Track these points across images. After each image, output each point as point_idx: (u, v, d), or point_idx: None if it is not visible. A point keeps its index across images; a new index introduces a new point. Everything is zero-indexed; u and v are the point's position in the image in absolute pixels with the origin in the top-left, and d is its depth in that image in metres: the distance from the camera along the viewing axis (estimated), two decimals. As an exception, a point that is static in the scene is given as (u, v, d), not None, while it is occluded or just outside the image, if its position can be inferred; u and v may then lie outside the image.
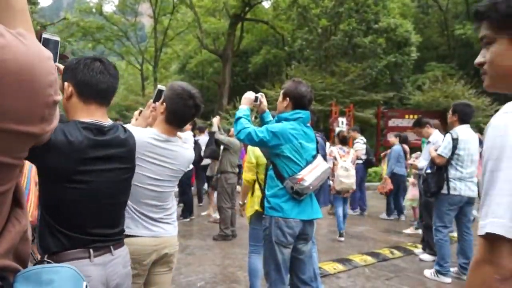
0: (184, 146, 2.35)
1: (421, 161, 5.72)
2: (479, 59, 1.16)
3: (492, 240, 0.96)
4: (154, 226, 2.19)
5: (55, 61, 1.82)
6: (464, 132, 4.63)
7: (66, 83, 1.67)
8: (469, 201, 4.69)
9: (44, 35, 1.71)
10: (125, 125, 1.91)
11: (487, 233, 0.97)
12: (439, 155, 4.64)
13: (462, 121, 4.66)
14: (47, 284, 0.85)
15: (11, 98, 0.73)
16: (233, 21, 25.12)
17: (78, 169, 1.58)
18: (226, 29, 25.80)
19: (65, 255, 1.58)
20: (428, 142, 5.67)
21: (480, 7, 1.13)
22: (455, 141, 4.55)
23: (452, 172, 4.59)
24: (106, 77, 1.69)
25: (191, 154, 2.41)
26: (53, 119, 0.87)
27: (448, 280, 4.62)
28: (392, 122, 15.05)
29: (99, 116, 1.70)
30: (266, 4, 27.33)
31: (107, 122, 1.72)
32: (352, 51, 19.21)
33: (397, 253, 5.75)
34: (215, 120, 6.85)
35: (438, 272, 4.68)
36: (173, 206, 2.34)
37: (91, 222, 1.65)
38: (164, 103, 2.21)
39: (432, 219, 5.36)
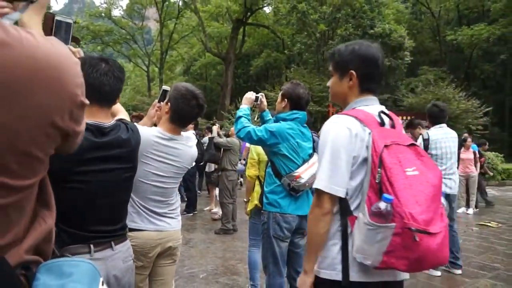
0: (187, 144, 2.35)
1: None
2: (328, 84, 1.80)
3: (319, 192, 1.54)
4: (159, 220, 2.19)
5: (67, 43, 1.77)
6: (435, 132, 4.57)
7: None
8: (447, 198, 4.55)
9: (57, 17, 1.61)
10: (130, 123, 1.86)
11: (316, 188, 1.55)
12: None
13: (433, 122, 4.65)
14: (67, 276, 0.85)
15: (42, 94, 0.76)
16: (235, 26, 25.13)
17: (77, 170, 1.55)
18: (229, 33, 25.81)
19: (65, 250, 1.55)
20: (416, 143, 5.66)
21: (329, 53, 1.91)
22: (425, 141, 4.52)
23: None
24: (111, 79, 1.64)
25: (194, 152, 2.41)
26: (82, 121, 0.89)
27: (438, 273, 4.62)
28: (386, 123, 15.05)
29: (101, 117, 1.66)
30: (267, 9, 27.31)
31: (109, 122, 1.68)
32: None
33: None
34: (215, 128, 7.18)
35: None
36: (177, 202, 2.34)
37: (90, 220, 1.62)
38: (169, 103, 2.21)
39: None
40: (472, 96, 16.08)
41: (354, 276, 1.50)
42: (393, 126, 1.61)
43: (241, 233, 6.26)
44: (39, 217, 0.87)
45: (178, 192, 2.40)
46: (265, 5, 25.82)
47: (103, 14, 32.11)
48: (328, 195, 1.51)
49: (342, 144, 1.52)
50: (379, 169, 1.42)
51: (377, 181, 1.41)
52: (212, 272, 4.60)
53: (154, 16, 33.20)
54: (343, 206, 1.54)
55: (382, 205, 1.36)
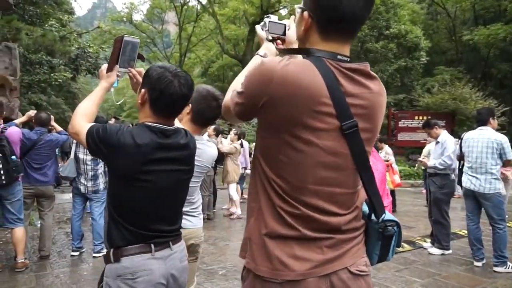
0: (208, 144, 2.37)
1: (431, 159, 5.62)
2: None
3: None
4: (182, 218, 2.20)
5: (134, 60, 1.82)
6: (469, 133, 5.08)
7: (143, 90, 1.66)
8: (472, 195, 4.84)
9: (126, 38, 1.76)
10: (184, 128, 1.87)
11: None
12: None
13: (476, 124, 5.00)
14: None
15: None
16: (252, 28, 25.11)
17: (143, 169, 1.59)
18: (246, 36, 25.84)
19: (129, 250, 1.60)
20: (437, 142, 5.57)
21: None
22: (460, 141, 4.97)
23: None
24: (180, 97, 1.66)
25: (214, 152, 2.43)
26: None
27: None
28: (402, 123, 14.84)
29: (166, 122, 1.69)
30: (283, 12, 27.22)
31: (171, 126, 1.71)
32: (364, 55, 18.98)
33: (406, 246, 5.67)
34: (225, 141, 8.03)
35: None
36: (199, 200, 2.36)
37: (153, 219, 1.65)
38: (190, 104, 2.22)
39: (440, 214, 5.31)
40: (489, 96, 15.69)
41: None
42: None
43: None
44: None
45: (199, 191, 2.41)
46: (281, 7, 25.75)
47: (124, 18, 32.58)
48: None
49: None
50: None
51: None
52: (231, 269, 4.61)
53: (173, 19, 33.48)
54: None
55: None
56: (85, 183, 4.94)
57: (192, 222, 2.25)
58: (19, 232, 4.50)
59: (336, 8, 1.19)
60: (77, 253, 5.13)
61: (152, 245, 1.63)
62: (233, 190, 7.81)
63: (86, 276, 4.44)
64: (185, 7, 30.07)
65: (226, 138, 8.51)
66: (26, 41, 7.35)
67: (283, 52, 1.53)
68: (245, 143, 9.10)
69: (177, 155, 1.70)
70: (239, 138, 8.26)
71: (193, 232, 2.25)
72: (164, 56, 32.75)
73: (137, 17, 34.88)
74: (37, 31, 7.43)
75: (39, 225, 5.29)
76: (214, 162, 6.75)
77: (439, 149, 5.47)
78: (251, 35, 25.07)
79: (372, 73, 1.28)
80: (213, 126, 7.05)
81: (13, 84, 6.92)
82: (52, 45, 7.44)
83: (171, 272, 1.68)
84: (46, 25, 14.43)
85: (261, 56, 1.55)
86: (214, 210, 8.06)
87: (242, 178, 8.80)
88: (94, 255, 5.05)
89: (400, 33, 18.09)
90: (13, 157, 4.27)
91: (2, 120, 4.51)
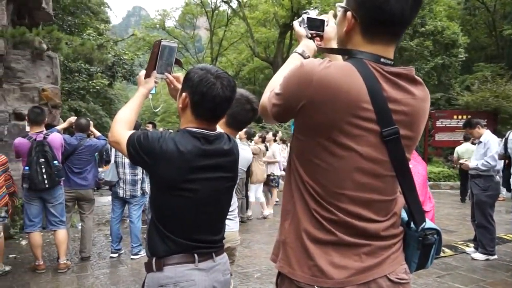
0: (242, 147, 2.36)
1: (472, 160, 5.38)
2: None
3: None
4: (225, 228, 2.20)
5: (171, 65, 1.78)
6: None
7: (184, 94, 1.58)
8: None
9: (163, 42, 1.71)
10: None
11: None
12: None
13: None
14: None
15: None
16: (282, 30, 25.12)
17: (186, 177, 1.52)
18: (276, 38, 25.86)
19: (171, 259, 1.54)
20: (480, 142, 5.34)
21: None
22: (505, 140, 4.82)
23: None
24: (223, 100, 1.56)
25: (250, 155, 2.43)
26: None
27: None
28: (440, 123, 14.34)
29: (208, 127, 1.62)
30: (314, 13, 27.06)
31: (214, 131, 1.63)
32: (398, 54, 18.51)
33: (448, 251, 5.46)
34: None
35: None
36: (234, 203, 2.36)
37: (196, 229, 1.59)
38: None
39: (484, 218, 5.08)
40: (535, 92, 14.89)
41: None
42: None
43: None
44: None
45: (235, 194, 2.41)
46: (312, 8, 25.53)
47: (157, 25, 33.42)
48: None
49: None
50: None
51: None
52: (266, 272, 4.59)
53: (205, 24, 34.00)
54: None
55: None
56: (124, 187, 5.08)
57: (228, 226, 2.23)
58: (62, 234, 4.67)
59: (383, 8, 1.14)
60: (116, 255, 5.28)
61: (196, 255, 1.56)
62: (258, 191, 7.87)
63: (125, 277, 4.55)
64: (216, 12, 30.46)
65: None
66: (66, 50, 7.65)
67: (323, 51, 1.49)
68: (278, 146, 9.08)
69: (221, 162, 1.62)
70: (263, 141, 8.29)
71: (230, 235, 2.25)
72: (196, 61, 33.26)
73: (170, 23, 35.70)
74: (76, 40, 7.73)
75: (80, 227, 5.47)
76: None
77: (482, 150, 5.24)
78: (282, 37, 25.06)
79: (417, 78, 1.23)
80: (244, 129, 7.08)
81: (58, 101, 7.24)
82: (90, 53, 7.71)
83: (213, 285, 1.61)
84: (84, 34, 15.02)
85: (299, 54, 1.49)
86: (248, 214, 8.07)
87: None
88: (132, 257, 5.17)
89: (436, 30, 17.49)
90: (55, 162, 4.44)
91: (44, 127, 4.71)
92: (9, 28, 6.76)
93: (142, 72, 1.79)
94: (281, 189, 6.80)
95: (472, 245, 5.57)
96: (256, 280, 4.39)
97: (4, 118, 6.24)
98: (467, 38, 19.15)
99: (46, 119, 4.95)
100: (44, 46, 6.96)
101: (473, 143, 7.72)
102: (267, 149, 8.42)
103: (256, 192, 7.99)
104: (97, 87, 16.59)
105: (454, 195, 11.10)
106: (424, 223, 1.28)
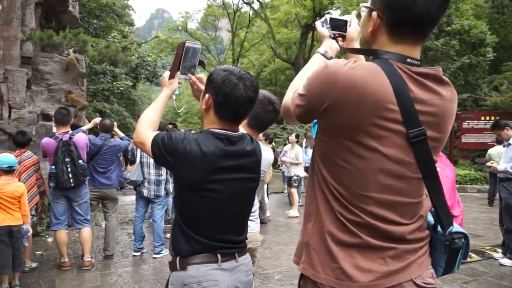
0: (264, 148, 2.36)
1: (501, 163, 5.21)
2: None
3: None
4: (248, 228, 2.21)
5: (195, 66, 1.79)
6: None
7: (207, 95, 1.59)
8: None
9: (187, 44, 1.73)
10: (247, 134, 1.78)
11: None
12: None
13: None
14: None
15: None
16: (304, 31, 25.01)
17: (209, 178, 1.53)
18: (298, 39, 25.76)
19: (195, 258, 1.56)
20: (509, 145, 5.17)
21: None
22: None
23: None
24: (246, 101, 1.57)
25: (271, 156, 2.42)
26: None
27: None
28: (466, 124, 13.97)
29: (231, 128, 1.63)
30: (337, 13, 26.84)
31: (237, 132, 1.64)
32: (423, 54, 18.11)
33: (474, 256, 5.30)
34: None
35: None
36: (256, 204, 2.35)
37: (219, 229, 1.60)
38: None
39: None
40: None
41: None
42: None
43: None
44: None
45: (256, 195, 2.41)
46: (334, 8, 25.30)
47: (180, 27, 33.88)
48: None
49: None
50: None
51: None
52: (287, 274, 4.57)
53: (226, 26, 34.22)
54: None
55: None
56: (148, 187, 5.16)
57: (249, 227, 2.23)
58: (86, 232, 4.78)
59: (410, 8, 1.12)
60: (138, 254, 5.36)
61: (219, 255, 1.58)
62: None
63: (147, 276, 4.62)
64: (238, 13, 30.61)
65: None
66: (92, 53, 7.83)
67: (347, 51, 1.48)
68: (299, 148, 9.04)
69: (244, 163, 1.63)
70: (270, 142, 8.27)
71: (251, 236, 2.24)
72: (217, 62, 33.51)
73: (192, 25, 36.11)
74: (101, 42, 7.90)
75: (104, 226, 5.59)
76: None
77: (511, 152, 5.07)
78: (303, 38, 24.95)
79: (445, 78, 1.20)
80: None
81: (84, 103, 7.43)
82: (115, 55, 7.86)
83: (236, 286, 1.62)
84: (109, 37, 15.37)
85: (321, 54, 1.48)
86: (268, 215, 8.06)
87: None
88: (154, 256, 5.24)
89: (463, 29, 17.05)
90: (80, 161, 4.55)
91: (70, 127, 4.83)
92: (37, 31, 6.98)
93: (166, 74, 1.80)
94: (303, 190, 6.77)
95: (500, 250, 5.39)
96: (276, 281, 4.38)
97: (32, 119, 6.43)
98: (495, 37, 18.60)
99: (72, 119, 5.08)
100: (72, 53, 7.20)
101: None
102: (274, 150, 8.37)
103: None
104: (121, 88, 16.94)
105: (481, 198, 10.78)
106: (452, 226, 1.25)
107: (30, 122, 6.33)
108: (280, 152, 9.39)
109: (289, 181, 8.61)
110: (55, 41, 6.79)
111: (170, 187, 5.36)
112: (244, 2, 29.29)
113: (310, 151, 8.48)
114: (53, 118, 5.09)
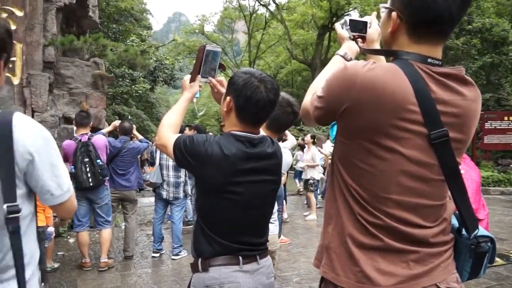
0: (284, 151, 2.35)
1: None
2: None
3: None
4: (269, 231, 2.21)
5: (215, 70, 1.81)
6: None
7: (228, 98, 1.60)
8: None
9: (207, 47, 1.75)
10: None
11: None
12: None
13: None
14: None
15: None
16: (321, 32, 24.91)
17: (231, 180, 1.54)
18: (314, 40, 25.68)
19: (216, 260, 1.57)
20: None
21: None
22: None
23: None
24: (267, 103, 1.57)
25: (290, 158, 2.42)
26: None
27: None
28: (489, 125, 13.65)
29: (252, 131, 1.63)
30: (354, 14, 26.64)
31: (258, 135, 1.64)
32: (443, 53, 17.73)
33: (499, 260, 5.16)
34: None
35: None
36: (275, 207, 2.35)
37: (241, 231, 1.61)
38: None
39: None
40: None
41: None
42: None
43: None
44: None
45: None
46: (351, 9, 25.19)
47: (197, 30, 34.18)
48: None
49: None
50: None
51: None
52: (305, 277, 4.54)
53: (243, 28, 34.37)
54: None
55: None
56: (167, 189, 5.21)
57: (269, 229, 2.24)
58: (106, 233, 4.86)
59: (429, 7, 1.10)
60: (157, 255, 5.42)
61: (240, 257, 1.58)
62: None
63: (166, 277, 4.66)
64: (254, 15, 30.68)
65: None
66: (111, 57, 7.98)
67: (367, 52, 1.46)
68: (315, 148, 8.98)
69: (265, 165, 1.63)
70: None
71: (270, 239, 2.23)
72: (234, 64, 33.66)
73: (209, 28, 36.37)
74: (120, 46, 8.05)
75: (123, 227, 5.67)
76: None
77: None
78: (320, 39, 24.84)
79: (468, 78, 1.18)
80: None
81: (102, 107, 7.58)
82: (134, 59, 7.99)
83: None
84: (128, 41, 15.63)
85: (341, 56, 1.48)
86: (286, 217, 8.03)
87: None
88: (173, 257, 5.29)
89: (484, 27, 16.67)
90: (98, 160, 4.62)
91: (90, 130, 4.92)
92: (58, 36, 7.14)
93: (187, 77, 1.82)
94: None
95: (526, 254, 5.24)
96: (295, 284, 4.35)
97: (54, 122, 6.59)
98: (519, 35, 18.08)
99: (92, 122, 5.17)
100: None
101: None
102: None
103: None
104: (139, 91, 17.18)
105: (505, 201, 10.50)
106: (477, 230, 1.22)
107: (52, 125, 6.48)
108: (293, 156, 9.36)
109: (305, 184, 8.52)
110: (76, 45, 6.94)
111: (189, 189, 5.39)
112: (260, 4, 29.37)
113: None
114: (73, 121, 5.20)
